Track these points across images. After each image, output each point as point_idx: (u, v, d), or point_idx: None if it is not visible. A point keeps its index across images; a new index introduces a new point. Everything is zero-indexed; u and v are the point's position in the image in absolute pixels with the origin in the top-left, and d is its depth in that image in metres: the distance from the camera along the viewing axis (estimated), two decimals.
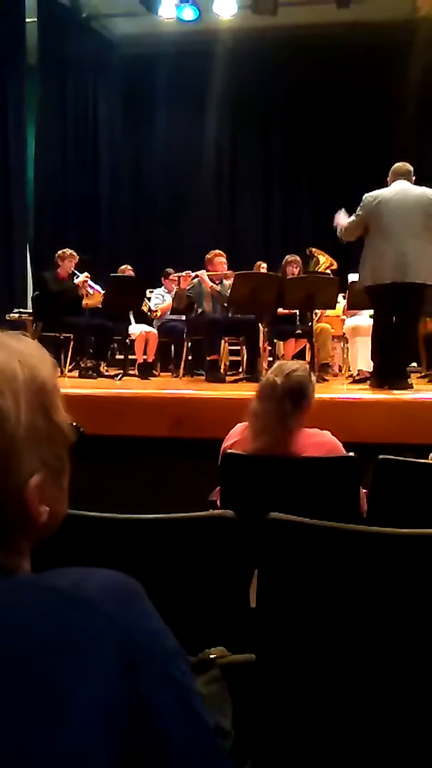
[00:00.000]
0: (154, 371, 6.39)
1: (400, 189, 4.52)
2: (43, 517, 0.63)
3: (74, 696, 0.52)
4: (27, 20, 8.16)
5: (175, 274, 6.85)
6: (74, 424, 0.69)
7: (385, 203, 4.47)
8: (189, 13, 8.25)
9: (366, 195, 4.59)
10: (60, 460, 0.65)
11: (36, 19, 8.37)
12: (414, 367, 5.86)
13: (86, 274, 6.04)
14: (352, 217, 4.64)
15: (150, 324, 6.67)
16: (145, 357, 6.24)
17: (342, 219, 4.81)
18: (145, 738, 0.55)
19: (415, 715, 1.09)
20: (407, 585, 1.10)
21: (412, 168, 4.64)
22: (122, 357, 6.17)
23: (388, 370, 4.68)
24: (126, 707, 0.54)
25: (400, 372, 4.62)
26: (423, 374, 5.97)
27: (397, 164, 4.67)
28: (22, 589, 0.59)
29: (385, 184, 4.65)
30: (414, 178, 4.65)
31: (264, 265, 7.01)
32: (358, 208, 4.61)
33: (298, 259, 6.41)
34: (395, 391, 4.38)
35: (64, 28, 8.66)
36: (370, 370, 5.02)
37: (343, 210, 4.88)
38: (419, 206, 4.44)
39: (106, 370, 6.23)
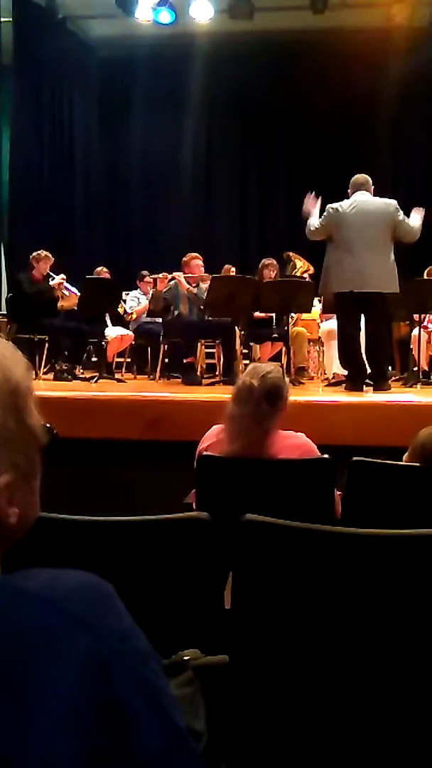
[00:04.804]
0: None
1: (359, 201, 4.63)
2: (12, 519, 0.62)
3: (42, 698, 0.52)
4: (2, 20, 8.09)
5: (151, 276, 6.83)
6: (48, 425, 0.68)
7: (344, 216, 4.59)
8: (165, 17, 8.24)
9: (329, 206, 4.71)
10: (31, 462, 0.65)
11: (11, 19, 8.30)
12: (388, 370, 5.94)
13: (62, 276, 6.00)
14: (318, 223, 4.74)
15: (126, 326, 6.65)
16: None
17: (310, 206, 4.87)
18: (115, 741, 0.54)
19: (389, 715, 1.10)
20: (381, 585, 1.11)
21: (369, 178, 4.75)
22: (97, 359, 6.13)
23: (363, 373, 4.78)
24: (96, 709, 0.54)
25: (382, 373, 4.73)
26: (397, 377, 6.03)
27: (355, 176, 4.79)
28: None
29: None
30: (373, 187, 4.76)
31: (233, 268, 7.01)
32: (323, 217, 4.72)
33: (275, 262, 6.43)
34: (378, 392, 4.48)
35: (39, 29, 8.58)
36: (345, 373, 5.09)
37: (313, 194, 4.93)
38: (381, 218, 4.55)
39: (82, 373, 6.19)
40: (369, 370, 4.83)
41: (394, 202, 4.64)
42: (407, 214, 4.70)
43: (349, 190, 4.78)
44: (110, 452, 3.54)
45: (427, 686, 1.09)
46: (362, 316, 4.78)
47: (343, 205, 4.66)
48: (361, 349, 4.78)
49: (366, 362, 4.81)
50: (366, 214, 4.57)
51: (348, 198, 4.74)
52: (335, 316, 5.10)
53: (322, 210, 4.79)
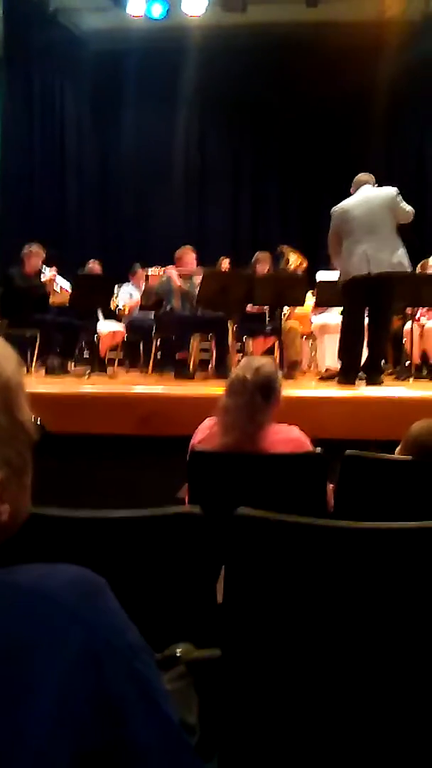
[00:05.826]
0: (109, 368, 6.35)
1: (364, 194, 4.78)
2: (4, 516, 0.62)
3: (37, 692, 0.52)
4: None
5: (143, 271, 6.81)
6: (38, 421, 0.68)
7: (350, 211, 4.73)
8: (157, 10, 8.20)
9: (333, 209, 4.84)
10: (22, 458, 0.64)
11: (1, 12, 8.23)
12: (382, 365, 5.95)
13: (54, 270, 5.98)
14: (329, 236, 4.86)
15: (119, 321, 6.63)
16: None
17: None
18: (109, 734, 0.55)
19: (381, 708, 1.10)
20: (373, 579, 1.12)
21: (372, 176, 4.90)
22: (89, 355, 6.11)
23: (357, 367, 4.81)
24: (89, 703, 0.54)
25: (376, 367, 4.77)
26: (389, 371, 6.04)
27: (358, 175, 4.93)
28: None
29: (349, 186, 4.87)
30: (376, 184, 4.89)
31: (227, 260, 7.00)
32: (331, 221, 4.84)
33: (269, 256, 6.43)
34: (370, 386, 4.51)
35: (30, 22, 8.51)
36: (338, 367, 5.10)
37: None
38: (383, 203, 4.68)
39: (74, 368, 6.17)
40: (364, 360, 4.86)
41: (394, 189, 4.77)
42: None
43: (351, 189, 4.88)
44: (102, 447, 3.53)
45: (419, 680, 1.09)
46: (366, 309, 4.81)
47: (349, 202, 4.78)
48: (362, 343, 4.83)
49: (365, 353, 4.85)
50: (369, 202, 4.70)
51: (350, 196, 4.86)
52: (341, 308, 5.12)
53: (327, 218, 4.87)
